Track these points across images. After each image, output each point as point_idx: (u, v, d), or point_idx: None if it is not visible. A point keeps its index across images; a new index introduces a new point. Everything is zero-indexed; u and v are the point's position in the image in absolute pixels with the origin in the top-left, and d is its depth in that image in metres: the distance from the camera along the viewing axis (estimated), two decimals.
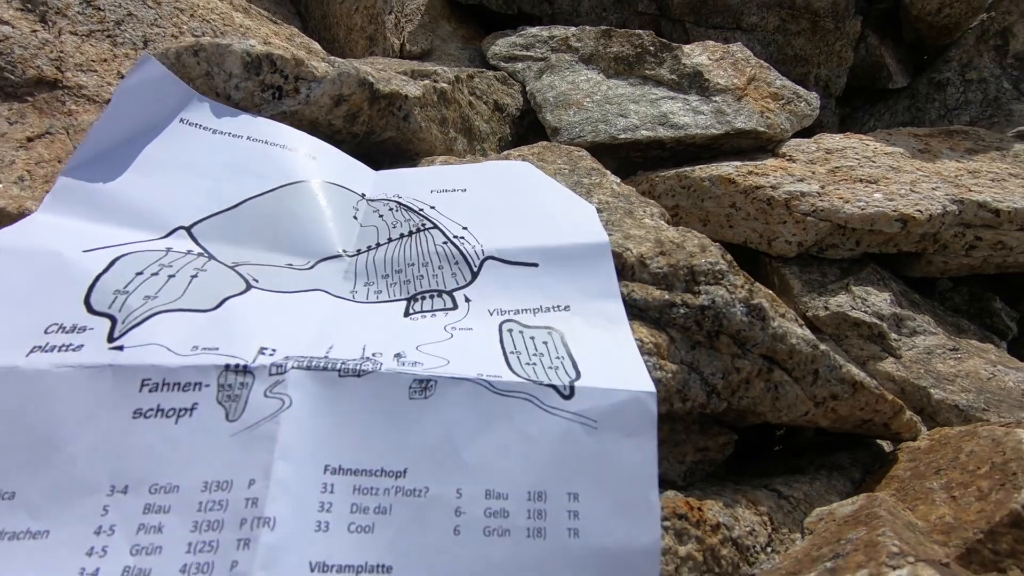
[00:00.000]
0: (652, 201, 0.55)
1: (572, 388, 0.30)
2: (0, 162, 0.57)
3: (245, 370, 0.26)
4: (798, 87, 0.87)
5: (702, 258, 0.39)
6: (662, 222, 0.48)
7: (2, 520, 0.22)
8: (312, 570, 0.23)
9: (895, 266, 0.73)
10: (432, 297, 0.35)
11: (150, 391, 0.25)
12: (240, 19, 0.86)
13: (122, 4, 0.72)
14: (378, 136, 0.58)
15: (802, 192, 0.68)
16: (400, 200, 0.42)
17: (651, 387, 0.30)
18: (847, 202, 0.66)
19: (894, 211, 0.63)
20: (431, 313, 0.34)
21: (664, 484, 0.35)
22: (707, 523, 0.34)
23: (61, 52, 0.65)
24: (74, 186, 0.36)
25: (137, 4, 0.73)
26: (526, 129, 0.96)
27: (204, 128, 0.42)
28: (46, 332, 0.27)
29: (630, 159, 0.89)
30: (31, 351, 0.26)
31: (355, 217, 0.41)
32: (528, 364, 0.30)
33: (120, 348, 0.26)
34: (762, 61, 0.88)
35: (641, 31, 0.93)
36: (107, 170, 0.37)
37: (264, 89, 0.45)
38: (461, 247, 0.37)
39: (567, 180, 0.56)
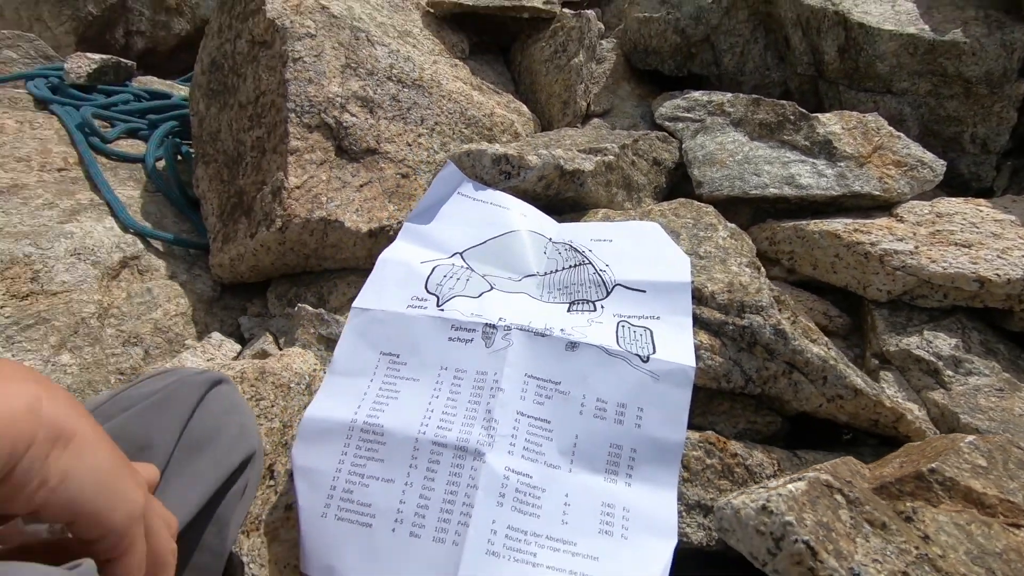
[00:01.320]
0: (748, 253, 0.77)
1: (648, 358, 0.56)
2: (348, 200, 0.99)
3: (493, 327, 0.57)
4: (925, 154, 0.98)
5: (754, 297, 0.62)
6: (745, 268, 0.71)
7: (402, 371, 0.55)
8: (517, 415, 0.52)
9: (993, 318, 0.84)
10: (583, 303, 0.63)
11: (454, 329, 0.57)
12: (476, 96, 1.24)
13: (410, 97, 1.12)
14: (561, 195, 0.89)
15: (896, 250, 0.83)
16: (571, 244, 0.72)
17: (692, 363, 0.55)
18: (933, 261, 0.80)
19: (973, 273, 0.76)
20: (581, 311, 0.62)
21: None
22: (728, 451, 0.57)
23: (378, 131, 1.07)
24: (411, 227, 0.72)
25: (418, 95, 1.13)
26: (680, 178, 1.20)
27: (467, 197, 0.76)
28: (411, 299, 0.61)
29: (762, 208, 1.08)
30: (407, 307, 0.60)
31: (545, 252, 0.72)
32: (628, 342, 0.57)
33: (442, 310, 0.59)
34: (893, 130, 1.01)
35: (785, 102, 1.11)
36: (425, 219, 0.72)
37: (500, 173, 0.78)
38: (603, 277, 0.65)
39: (688, 232, 0.81)
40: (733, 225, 0.87)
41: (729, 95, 1.20)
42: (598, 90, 1.41)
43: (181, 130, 1.42)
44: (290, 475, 0.58)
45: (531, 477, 0.49)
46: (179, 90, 1.75)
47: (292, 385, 0.70)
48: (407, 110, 1.11)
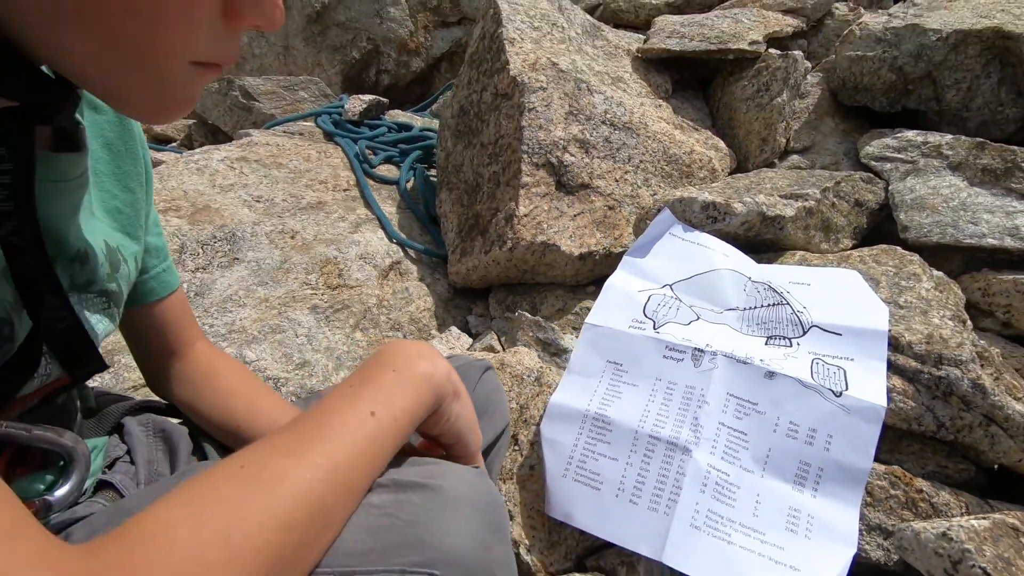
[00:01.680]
0: (952, 305, 0.80)
1: (841, 393, 0.65)
2: (564, 228, 1.18)
3: (701, 351, 0.70)
4: None
5: (954, 351, 0.67)
6: (948, 322, 0.74)
7: (624, 378, 0.71)
8: (719, 424, 0.65)
9: None
10: (780, 338, 0.73)
11: (668, 349, 0.72)
12: (677, 135, 1.36)
13: (620, 138, 1.29)
14: (760, 237, 0.98)
15: None
16: (770, 285, 0.82)
17: (884, 403, 0.63)
18: None
19: None
20: (778, 345, 0.72)
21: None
22: (913, 486, 0.63)
23: (592, 168, 1.25)
24: (630, 260, 0.88)
25: (627, 136, 1.29)
26: (883, 219, 1.20)
27: (677, 237, 0.89)
28: (632, 321, 0.76)
29: (976, 256, 1.05)
30: (628, 327, 0.76)
31: (744, 289, 0.83)
32: (822, 378, 0.67)
33: (658, 332, 0.74)
34: None
35: (1017, 148, 1.06)
36: (642, 254, 0.88)
37: (707, 217, 0.91)
38: (800, 318, 0.75)
39: (888, 280, 0.85)
40: (940, 274, 0.89)
41: (948, 137, 1.17)
42: (798, 126, 1.45)
43: (423, 157, 1.75)
44: (531, 443, 0.77)
45: (728, 475, 0.62)
46: (416, 120, 2.12)
47: (524, 376, 0.90)
48: (616, 150, 1.27)
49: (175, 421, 0.68)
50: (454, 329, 1.21)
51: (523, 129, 1.21)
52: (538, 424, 0.79)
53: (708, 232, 0.89)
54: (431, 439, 0.52)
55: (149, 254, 0.62)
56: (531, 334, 1.09)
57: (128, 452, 0.63)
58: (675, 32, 1.52)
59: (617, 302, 0.80)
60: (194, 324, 0.69)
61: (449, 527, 0.38)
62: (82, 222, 0.46)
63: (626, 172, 1.26)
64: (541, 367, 0.91)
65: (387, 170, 1.69)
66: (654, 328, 0.75)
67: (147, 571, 0.27)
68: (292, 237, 1.26)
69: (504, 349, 1.14)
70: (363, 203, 1.49)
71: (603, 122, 1.28)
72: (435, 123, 2.16)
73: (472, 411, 0.52)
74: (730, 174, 1.39)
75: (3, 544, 0.25)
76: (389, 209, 1.50)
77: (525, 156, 1.20)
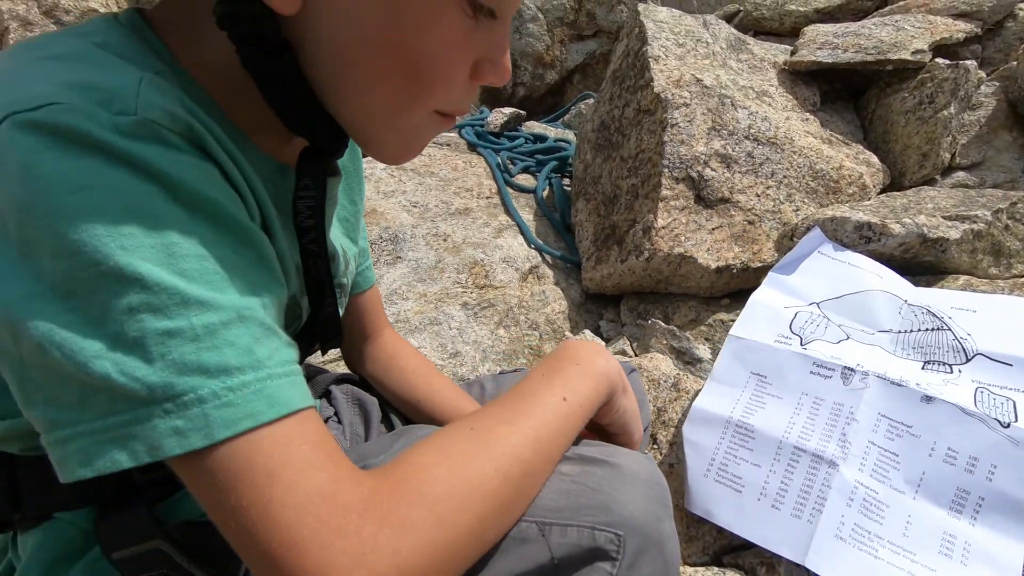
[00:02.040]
0: None
1: (1009, 425, 0.63)
2: (701, 241, 1.21)
3: (851, 370, 0.71)
4: None
5: None
6: None
7: (768, 389, 0.74)
8: (869, 443, 0.66)
9: None
10: (939, 364, 0.72)
11: (815, 365, 0.73)
12: (825, 150, 1.33)
13: (764, 153, 1.28)
14: (919, 259, 0.95)
15: None
16: (929, 309, 0.80)
17: None
18: None
19: None
20: (936, 371, 0.71)
21: None
22: None
23: (732, 183, 1.26)
24: (776, 277, 0.90)
25: (771, 151, 1.28)
26: None
27: (826, 256, 0.90)
28: (777, 336, 0.79)
29: None
30: (774, 341, 0.78)
31: (899, 312, 0.82)
32: (988, 407, 0.65)
33: (804, 348, 0.76)
34: None
35: None
36: (788, 271, 0.89)
37: (861, 238, 0.90)
38: (963, 344, 0.73)
39: None
40: None
41: None
42: (966, 140, 1.35)
43: (558, 167, 1.84)
44: (669, 443, 0.82)
45: (877, 493, 0.63)
46: (550, 131, 2.23)
47: (661, 381, 0.95)
48: (759, 165, 1.27)
49: (365, 392, 0.81)
50: (587, 332, 1.28)
51: (664, 144, 1.25)
52: (677, 426, 0.84)
53: (861, 252, 0.88)
54: (598, 428, 0.59)
55: (362, 254, 0.75)
56: (664, 342, 1.13)
57: (336, 414, 0.77)
58: (827, 43, 1.48)
59: (762, 316, 0.82)
60: (383, 314, 0.82)
61: (628, 497, 0.45)
62: (330, 229, 0.59)
63: (768, 187, 1.26)
64: (678, 374, 0.95)
65: (525, 179, 1.80)
66: (801, 344, 0.77)
67: (419, 494, 0.37)
68: (444, 240, 1.40)
69: (636, 354, 1.19)
70: (504, 210, 1.61)
71: (746, 137, 1.28)
72: (568, 134, 2.24)
73: (636, 406, 0.59)
74: (883, 191, 1.33)
75: (329, 463, 0.36)
76: (527, 216, 1.60)
77: (665, 170, 1.24)
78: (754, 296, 0.86)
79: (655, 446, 0.83)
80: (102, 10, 2.86)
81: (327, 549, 0.33)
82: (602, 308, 1.42)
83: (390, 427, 0.79)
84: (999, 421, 0.62)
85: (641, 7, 1.51)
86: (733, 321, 1.19)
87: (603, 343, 1.27)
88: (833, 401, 0.70)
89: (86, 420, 0.32)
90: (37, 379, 0.33)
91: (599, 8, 2.58)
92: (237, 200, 0.39)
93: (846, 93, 1.57)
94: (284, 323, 0.43)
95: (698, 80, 1.32)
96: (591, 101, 2.46)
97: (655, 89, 1.30)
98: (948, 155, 1.30)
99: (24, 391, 0.34)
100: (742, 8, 2.73)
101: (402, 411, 0.79)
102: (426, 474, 0.38)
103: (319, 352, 0.64)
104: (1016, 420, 0.62)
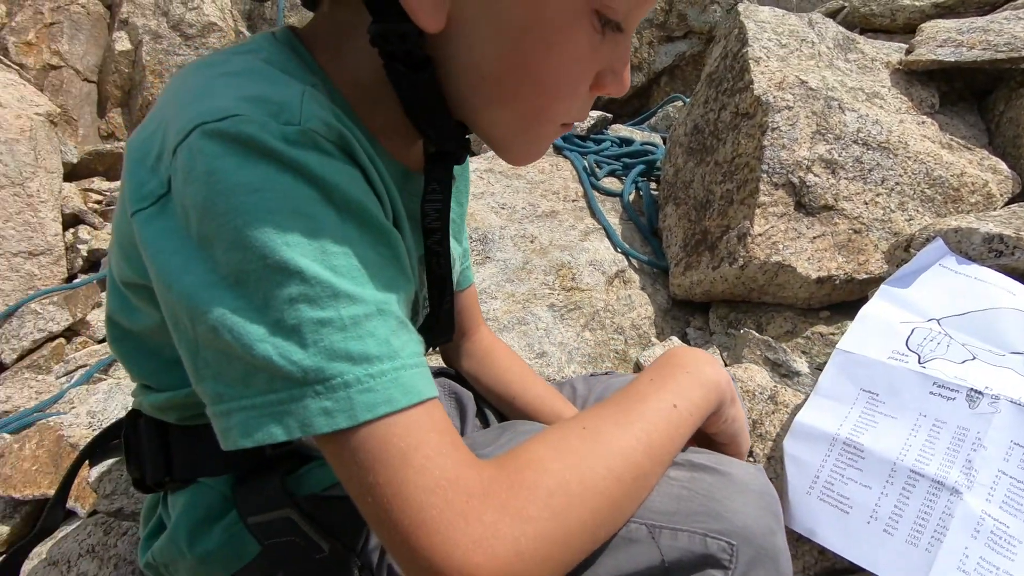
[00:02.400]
0: None
1: None
2: (801, 249, 1.16)
3: (979, 393, 0.66)
4: None
5: None
6: None
7: (880, 408, 0.70)
8: (999, 472, 0.61)
9: None
10: None
11: (936, 386, 0.69)
12: (944, 155, 1.24)
13: (874, 158, 1.21)
14: None
15: None
16: None
17: None
18: None
19: None
20: None
21: None
22: None
23: (838, 190, 1.19)
24: (890, 290, 0.85)
25: (882, 157, 1.21)
26: None
27: (948, 269, 0.84)
28: (892, 352, 0.75)
29: None
30: (887, 358, 0.74)
31: None
32: None
33: (923, 367, 0.71)
34: None
35: None
36: (904, 284, 0.84)
37: (990, 251, 0.83)
38: None
39: None
40: None
41: None
42: None
43: (645, 171, 1.82)
44: (767, 456, 0.79)
45: (1008, 527, 0.58)
46: (636, 134, 2.20)
47: (757, 393, 0.92)
48: (869, 171, 1.20)
49: (461, 386, 0.84)
50: (675, 339, 1.26)
51: (764, 149, 1.21)
52: (775, 440, 0.81)
53: (989, 266, 0.82)
54: (706, 438, 0.59)
55: (462, 255, 0.78)
56: (759, 353, 1.09)
57: None
58: (949, 40, 1.38)
59: (875, 331, 0.78)
60: (479, 312, 0.85)
61: (740, 507, 0.45)
62: None
63: (878, 195, 1.18)
64: (775, 386, 0.92)
65: (611, 183, 1.80)
66: (919, 362, 0.72)
67: (535, 486, 0.39)
68: (531, 242, 1.42)
69: (726, 363, 1.16)
70: (590, 213, 1.61)
71: (854, 141, 1.22)
72: (655, 137, 2.21)
73: (743, 417, 0.58)
74: (1012, 200, 1.22)
75: (453, 450, 0.38)
76: (613, 220, 1.60)
77: (764, 176, 1.20)
78: (865, 309, 0.82)
79: (751, 459, 0.80)
80: (220, 23, 3.12)
81: (452, 530, 0.35)
82: (689, 315, 1.39)
83: (484, 422, 0.82)
84: None
85: (741, 7, 1.47)
86: (833, 335, 1.14)
87: None
88: (956, 425, 0.65)
89: (248, 396, 0.36)
90: (208, 357, 0.37)
91: (691, 9, 2.53)
92: (377, 202, 0.43)
93: (969, 94, 1.46)
94: (409, 317, 0.46)
95: (802, 82, 1.26)
96: (679, 104, 2.41)
97: (755, 92, 1.26)
98: None
99: (196, 367, 0.39)
100: (847, 4, 2.58)
101: (496, 406, 0.81)
102: (541, 467, 0.40)
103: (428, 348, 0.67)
104: None
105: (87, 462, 0.98)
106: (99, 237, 2.26)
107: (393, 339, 0.38)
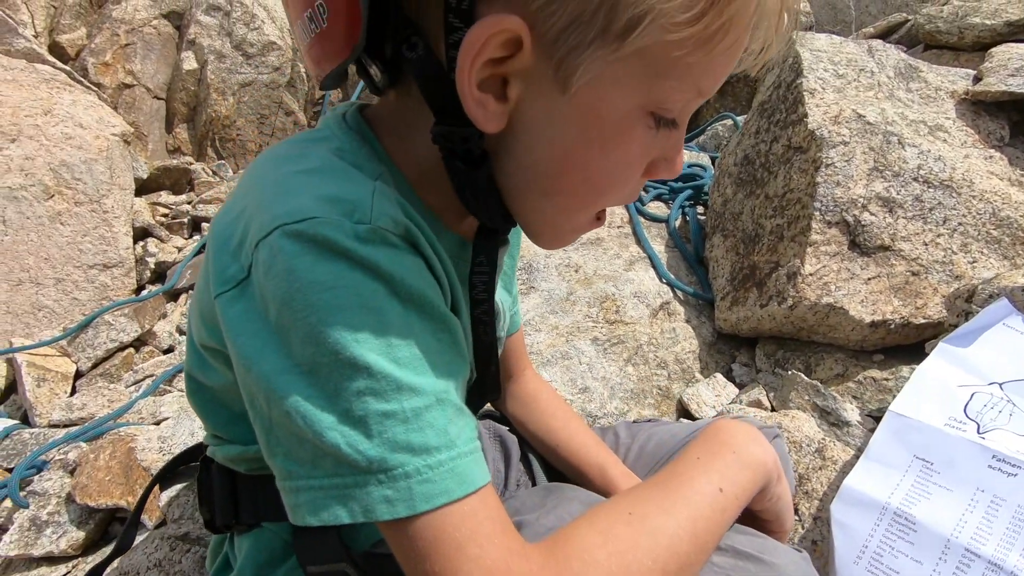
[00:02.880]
0: None
1: None
2: (854, 291, 1.12)
3: None
4: None
5: None
6: None
7: (934, 478, 0.69)
8: None
9: None
10: None
11: (995, 459, 0.67)
12: (1014, 194, 1.18)
13: (935, 197, 1.17)
14: None
15: None
16: None
17: None
18: None
19: None
20: None
21: None
22: None
23: (895, 229, 1.15)
24: (948, 348, 0.82)
25: (944, 195, 1.16)
26: None
27: (1014, 329, 0.80)
28: (948, 419, 0.72)
29: None
30: (944, 424, 0.72)
31: None
32: None
33: (983, 438, 0.69)
34: None
35: None
36: (964, 343, 0.81)
37: None
38: None
39: None
40: None
41: None
42: None
43: (692, 196, 1.80)
44: (812, 516, 0.78)
45: None
46: (702, 159, 2.17)
47: (803, 445, 0.90)
48: (929, 210, 1.16)
49: (506, 429, 0.86)
50: (720, 376, 1.24)
51: (817, 185, 1.18)
52: (821, 499, 0.80)
53: None
54: (749, 513, 0.59)
55: (513, 301, 0.80)
56: (807, 398, 1.07)
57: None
58: (1022, 68, 1.31)
59: (931, 394, 0.76)
60: (526, 355, 0.87)
61: None
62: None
63: (939, 235, 1.14)
64: (823, 439, 0.90)
65: (656, 207, 1.79)
66: (978, 432, 0.70)
67: None
68: (576, 271, 1.43)
69: (772, 405, 1.14)
70: (635, 240, 1.61)
71: (915, 179, 1.17)
72: (703, 157, 2.18)
73: (789, 495, 0.58)
74: None
75: (504, 538, 0.40)
76: (658, 247, 1.59)
77: (817, 213, 1.17)
78: (922, 368, 0.80)
79: (797, 518, 0.79)
80: (279, 42, 3.24)
81: None
82: (735, 349, 1.37)
83: (528, 467, 0.83)
84: None
85: (796, 34, 1.43)
86: (886, 380, 1.10)
87: (735, 388, 1.23)
88: (1017, 504, 0.63)
89: (316, 477, 0.39)
90: (280, 436, 0.41)
91: None
92: (438, 289, 0.45)
93: None
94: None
95: (859, 116, 1.23)
96: (729, 122, 2.36)
97: (809, 125, 1.24)
98: None
99: (269, 443, 0.42)
100: (910, 18, 2.48)
101: (541, 452, 0.83)
102: (589, 557, 0.41)
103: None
104: None
105: (158, 485, 1.05)
106: (165, 250, 2.39)
107: (451, 428, 0.40)
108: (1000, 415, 0.71)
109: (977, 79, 1.39)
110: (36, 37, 3.19)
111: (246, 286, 0.42)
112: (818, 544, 0.74)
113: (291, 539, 0.57)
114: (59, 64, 2.63)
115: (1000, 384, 0.75)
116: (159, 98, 3.23)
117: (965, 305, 0.92)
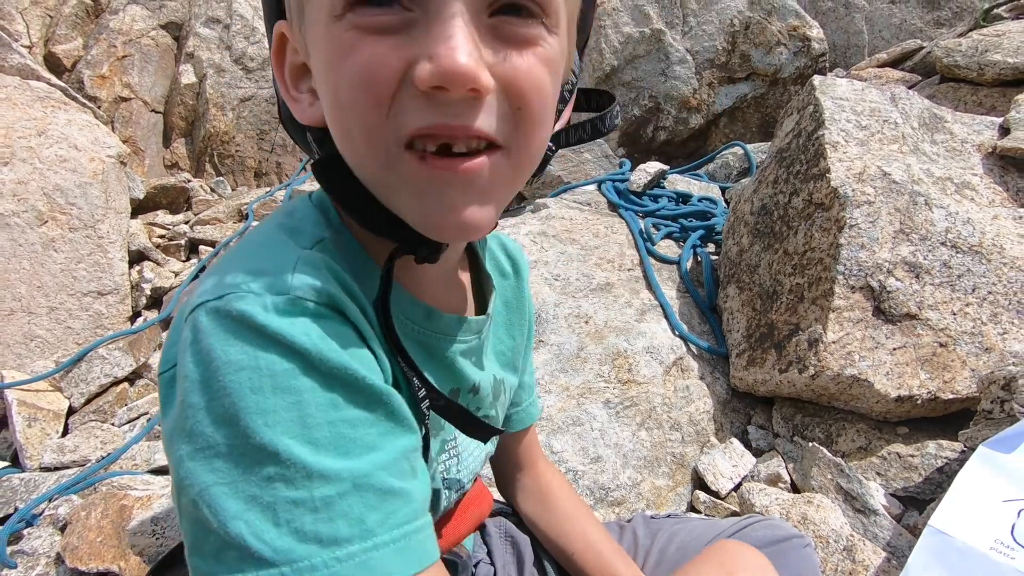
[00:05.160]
0: None
1: None
2: (880, 361, 1.08)
3: None
4: None
5: None
6: None
7: None
8: None
9: None
10: None
11: None
12: None
13: (964, 263, 1.12)
14: None
15: None
16: None
17: None
18: None
19: None
20: None
21: None
22: None
23: (922, 297, 1.11)
24: (988, 453, 0.77)
25: (973, 262, 1.12)
26: None
27: None
28: (994, 542, 0.68)
29: None
30: (990, 548, 0.68)
31: None
32: None
33: None
34: None
35: None
36: (1007, 447, 0.77)
37: None
38: None
39: None
40: None
41: None
42: None
43: (705, 235, 1.75)
44: None
45: None
46: (693, 186, 2.12)
47: (831, 541, 0.86)
48: (958, 277, 1.11)
49: (518, 529, 0.81)
50: (736, 443, 1.20)
51: (841, 247, 1.14)
52: None
53: None
54: None
55: (522, 389, 0.75)
56: (829, 477, 1.03)
57: (489, 553, 0.78)
58: None
59: (974, 508, 0.71)
60: (539, 447, 0.82)
61: None
62: (477, 362, 0.59)
63: (967, 304, 1.10)
64: (851, 536, 0.86)
65: (667, 246, 1.74)
66: None
67: None
68: (586, 322, 1.39)
69: (792, 480, 1.10)
70: (645, 284, 1.56)
71: (942, 243, 1.13)
72: (713, 189, 2.13)
73: None
74: None
75: None
76: (669, 292, 1.54)
77: (840, 277, 1.13)
78: (962, 475, 0.75)
79: None
80: None
81: None
82: (751, 408, 1.33)
83: (541, 571, 0.79)
84: None
85: (817, 80, 1.39)
86: (912, 457, 1.06)
87: (752, 456, 1.19)
88: None
89: (219, 573, 0.36)
90: (188, 529, 0.38)
91: (755, 50, 2.43)
92: (368, 358, 0.42)
93: None
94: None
95: (884, 173, 1.18)
96: (739, 151, 2.32)
97: (832, 183, 1.19)
98: None
99: (185, 538, 0.39)
100: (925, 45, 2.43)
101: (555, 557, 0.79)
102: None
103: None
104: None
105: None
106: (162, 275, 2.34)
107: (368, 516, 0.37)
108: None
109: (1004, 130, 1.35)
110: (31, 48, 3.12)
111: (171, 370, 0.40)
112: None
113: None
114: (54, 80, 2.56)
115: None
116: (156, 112, 3.17)
117: (1002, 393, 0.87)
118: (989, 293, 1.10)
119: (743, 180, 2.14)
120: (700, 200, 1.97)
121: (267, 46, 3.46)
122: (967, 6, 2.60)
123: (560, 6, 0.41)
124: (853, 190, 1.17)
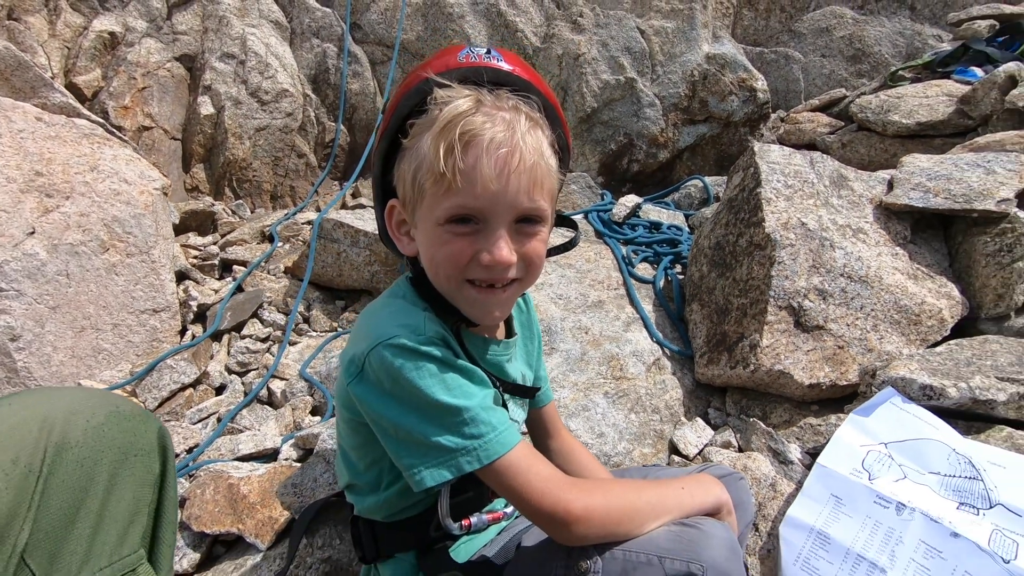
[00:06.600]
0: None
1: (1009, 561, 0.95)
2: (797, 360, 1.53)
3: (903, 505, 1.04)
4: None
5: None
6: None
7: (842, 509, 1.08)
8: (910, 559, 0.99)
9: None
10: (969, 507, 1.03)
11: (878, 497, 1.07)
12: (910, 287, 1.61)
13: (855, 289, 1.58)
14: (972, 411, 1.24)
15: None
16: (970, 460, 1.10)
17: None
18: None
19: None
20: (966, 512, 1.03)
21: None
22: None
23: (826, 313, 1.57)
24: (856, 419, 1.23)
25: (862, 288, 1.58)
26: None
27: (895, 406, 1.21)
28: (852, 470, 1.12)
29: None
30: (849, 473, 1.12)
31: (947, 459, 1.12)
32: (996, 546, 0.97)
33: (872, 482, 1.09)
34: None
35: None
36: (866, 413, 1.22)
37: (923, 395, 1.21)
38: (990, 495, 1.03)
39: None
40: None
41: None
42: None
43: (674, 259, 2.20)
44: (768, 533, 1.18)
45: None
46: (663, 215, 2.57)
47: (762, 480, 1.30)
48: (851, 299, 1.58)
49: None
50: (699, 421, 1.64)
51: (772, 278, 1.59)
52: (773, 520, 1.19)
53: (923, 406, 1.19)
54: None
55: (539, 379, 1.16)
56: (763, 442, 1.48)
57: None
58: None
59: (843, 452, 1.16)
60: (560, 420, 1.23)
61: (710, 545, 0.81)
62: (513, 365, 1.00)
63: (857, 318, 1.56)
64: (775, 476, 1.31)
65: (644, 268, 2.18)
66: (869, 479, 1.10)
67: (598, 492, 0.81)
68: (586, 333, 1.81)
69: (739, 446, 1.54)
70: (629, 301, 1.99)
71: (841, 275, 1.59)
72: (678, 216, 2.59)
73: (735, 523, 0.94)
74: (958, 322, 1.59)
75: (542, 462, 0.81)
76: (648, 307, 1.97)
77: (771, 299, 1.58)
78: (838, 432, 1.20)
79: (756, 533, 1.19)
80: (291, 89, 3.50)
81: (561, 497, 0.76)
82: (710, 396, 1.77)
83: None
84: (1002, 557, 0.93)
85: (757, 147, 1.84)
86: (819, 426, 1.52)
87: (711, 430, 1.63)
88: (888, 526, 1.03)
89: (427, 460, 0.78)
90: (405, 445, 0.80)
91: (712, 97, 2.90)
92: (464, 359, 0.85)
93: (937, 222, 1.82)
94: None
95: (803, 224, 1.64)
96: (699, 184, 2.78)
97: (766, 230, 1.64)
98: (1021, 299, 1.55)
99: (398, 452, 0.81)
100: (848, 95, 2.94)
101: None
102: (600, 484, 0.80)
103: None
104: (1015, 559, 0.93)
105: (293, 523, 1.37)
106: (204, 293, 2.66)
107: (492, 419, 0.78)
108: (882, 467, 1.12)
109: (890, 185, 1.83)
110: (53, 79, 3.35)
111: (362, 376, 0.82)
112: (771, 552, 1.13)
113: (416, 561, 0.94)
114: (94, 117, 2.83)
115: (886, 444, 1.16)
116: (175, 139, 3.44)
117: (870, 379, 1.33)
118: (872, 310, 1.57)
119: (703, 209, 2.60)
120: (669, 228, 2.42)
121: (278, 80, 3.65)
122: (881, 62, 3.13)
123: (549, 210, 0.84)
124: (781, 235, 1.62)
